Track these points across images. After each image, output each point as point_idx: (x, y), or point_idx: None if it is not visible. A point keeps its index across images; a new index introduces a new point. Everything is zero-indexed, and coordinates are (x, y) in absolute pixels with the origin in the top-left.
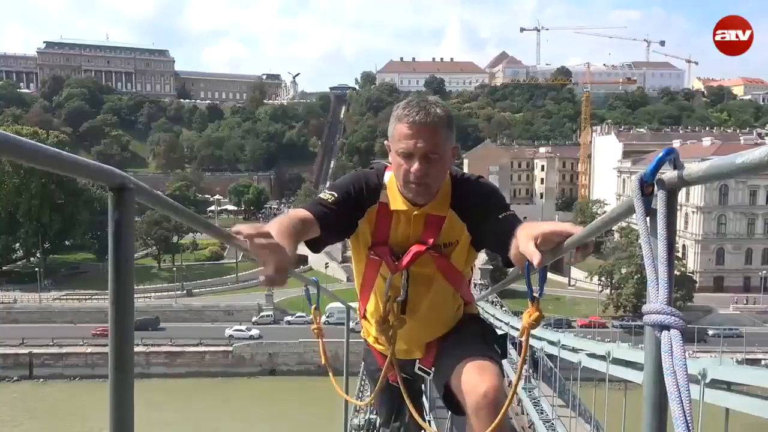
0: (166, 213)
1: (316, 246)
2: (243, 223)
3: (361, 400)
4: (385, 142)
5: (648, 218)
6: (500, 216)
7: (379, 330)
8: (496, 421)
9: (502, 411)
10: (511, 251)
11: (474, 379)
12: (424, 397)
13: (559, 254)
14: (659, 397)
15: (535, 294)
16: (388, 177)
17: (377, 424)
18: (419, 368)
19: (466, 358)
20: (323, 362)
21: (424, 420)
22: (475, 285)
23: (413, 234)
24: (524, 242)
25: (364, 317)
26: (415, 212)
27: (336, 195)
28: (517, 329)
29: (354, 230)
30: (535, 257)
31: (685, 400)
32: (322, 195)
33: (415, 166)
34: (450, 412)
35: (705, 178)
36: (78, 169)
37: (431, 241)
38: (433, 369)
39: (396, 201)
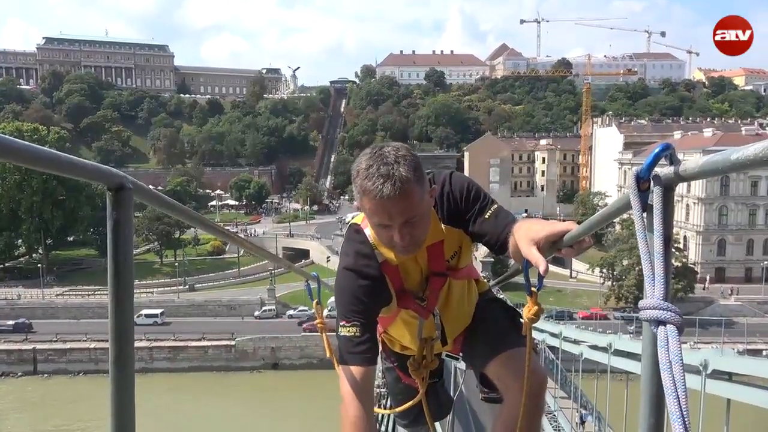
0: (165, 211)
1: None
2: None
3: None
4: (355, 203)
5: (644, 214)
6: (486, 215)
7: (415, 373)
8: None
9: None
10: (510, 250)
11: (518, 369)
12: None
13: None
14: (656, 391)
15: (533, 289)
16: (371, 233)
17: (379, 417)
18: (447, 354)
19: (504, 348)
20: (329, 355)
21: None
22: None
23: (423, 270)
24: (526, 247)
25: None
26: (417, 254)
27: (357, 321)
28: None
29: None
30: (542, 265)
31: (681, 395)
32: (345, 332)
33: (396, 236)
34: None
35: (701, 174)
36: (76, 170)
37: (443, 267)
38: (461, 354)
39: (394, 254)
